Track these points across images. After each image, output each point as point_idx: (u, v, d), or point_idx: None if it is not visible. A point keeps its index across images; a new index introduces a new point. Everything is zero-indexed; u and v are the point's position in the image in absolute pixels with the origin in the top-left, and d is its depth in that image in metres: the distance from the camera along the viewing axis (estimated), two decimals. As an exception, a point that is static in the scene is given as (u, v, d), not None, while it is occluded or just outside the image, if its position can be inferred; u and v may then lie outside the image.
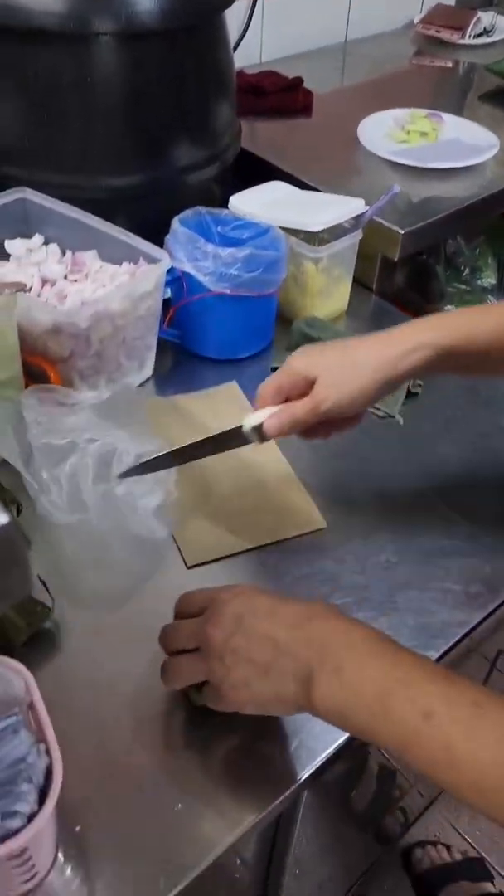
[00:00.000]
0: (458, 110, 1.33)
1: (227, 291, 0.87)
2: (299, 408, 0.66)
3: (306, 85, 1.36)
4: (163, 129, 0.95)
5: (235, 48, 1.38)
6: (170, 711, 0.60)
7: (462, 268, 1.48)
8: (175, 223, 0.89)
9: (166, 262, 0.83)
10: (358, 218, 0.96)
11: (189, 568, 0.71)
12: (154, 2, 0.83)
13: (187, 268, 0.86)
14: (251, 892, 0.84)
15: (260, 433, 0.68)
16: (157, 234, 0.88)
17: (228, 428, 0.69)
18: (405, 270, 1.29)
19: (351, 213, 0.95)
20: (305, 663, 0.49)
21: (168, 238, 0.88)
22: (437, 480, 0.82)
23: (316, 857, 1.02)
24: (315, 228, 0.92)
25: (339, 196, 0.99)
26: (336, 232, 0.95)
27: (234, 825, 0.54)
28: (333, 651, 0.49)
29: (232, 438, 0.69)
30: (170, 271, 0.87)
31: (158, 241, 0.87)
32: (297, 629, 0.51)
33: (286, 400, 0.67)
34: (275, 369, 0.92)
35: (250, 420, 0.68)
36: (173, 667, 0.57)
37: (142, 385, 0.91)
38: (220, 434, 0.70)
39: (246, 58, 1.44)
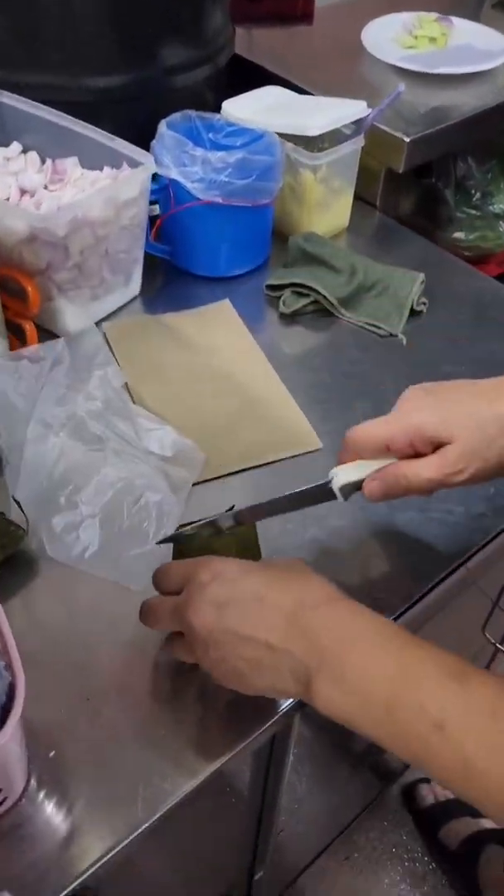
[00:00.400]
0: (470, 15, 1.24)
1: (219, 200, 0.81)
2: (420, 476, 0.51)
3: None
4: (151, 25, 0.87)
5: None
6: (154, 633, 0.57)
7: (473, 192, 1.40)
8: (162, 126, 0.82)
9: (151, 166, 0.77)
10: (360, 122, 0.89)
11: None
12: None
13: (174, 174, 0.80)
14: (245, 824, 0.83)
15: (348, 491, 0.54)
16: (143, 141, 0.82)
17: (312, 485, 0.55)
18: (412, 194, 1.22)
19: (352, 116, 0.88)
20: (302, 663, 0.44)
21: (154, 143, 0.82)
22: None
23: (314, 794, 1.01)
24: (313, 132, 0.85)
25: (339, 99, 0.91)
26: (336, 138, 0.89)
27: (220, 751, 0.51)
28: (332, 651, 0.44)
29: (315, 496, 0.55)
30: (156, 180, 0.81)
31: (145, 147, 0.81)
32: (289, 624, 0.45)
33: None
34: (270, 287, 0.87)
35: (342, 475, 0.53)
36: (167, 643, 0.53)
37: (129, 303, 0.86)
38: (301, 491, 0.56)
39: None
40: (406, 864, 1.32)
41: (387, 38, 1.13)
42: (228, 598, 0.46)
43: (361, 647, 0.43)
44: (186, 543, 0.57)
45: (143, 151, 0.78)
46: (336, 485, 0.53)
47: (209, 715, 0.53)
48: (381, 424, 0.52)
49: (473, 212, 1.40)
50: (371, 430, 0.52)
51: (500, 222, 1.42)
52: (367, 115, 0.88)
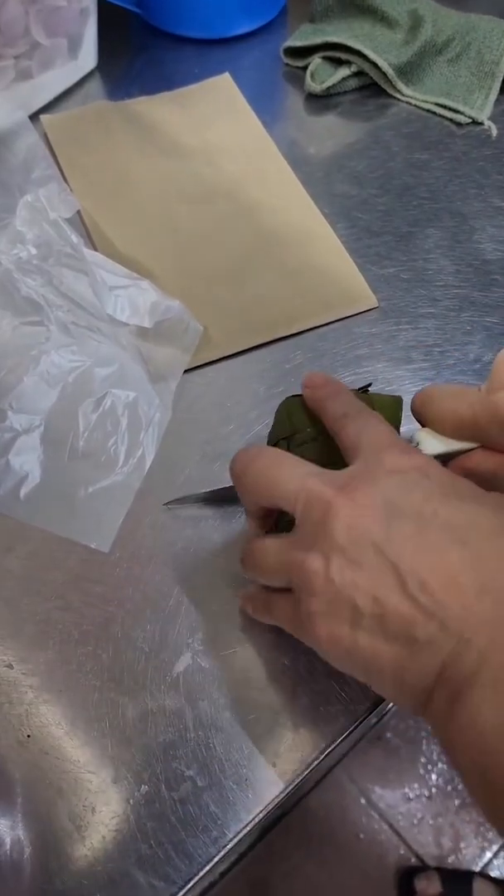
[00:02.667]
0: None
1: None
2: None
3: None
4: None
5: None
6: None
7: None
8: None
9: None
10: None
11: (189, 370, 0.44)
12: None
13: None
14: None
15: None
16: None
17: None
18: None
19: None
20: (472, 659, 0.26)
21: None
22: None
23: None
24: None
25: None
26: None
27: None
28: None
29: None
30: None
31: None
32: (480, 593, 0.26)
33: None
34: (291, 52, 0.59)
35: (427, 445, 0.33)
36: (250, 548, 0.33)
37: (81, 83, 0.58)
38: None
39: None
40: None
41: None
42: (410, 511, 0.28)
43: None
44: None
45: None
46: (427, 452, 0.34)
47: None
48: (464, 400, 0.33)
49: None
50: (449, 406, 0.33)
51: None
52: None
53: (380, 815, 1.14)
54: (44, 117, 0.55)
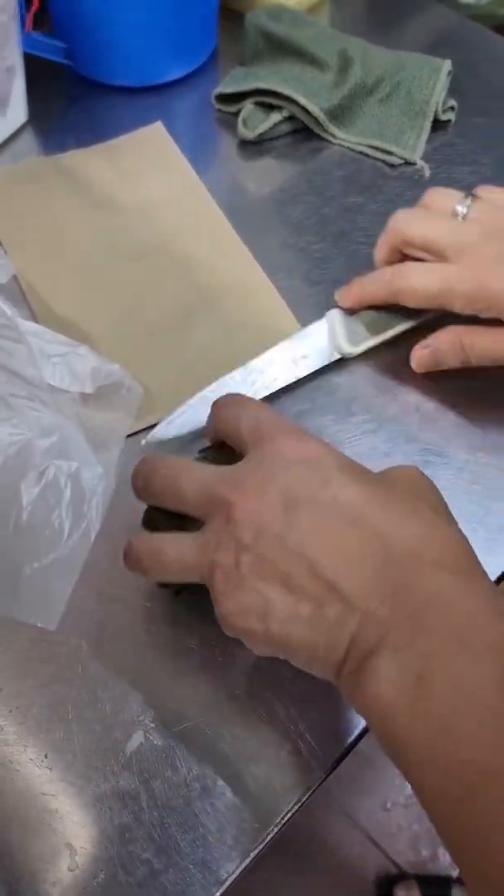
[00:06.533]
0: None
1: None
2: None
3: None
4: None
5: None
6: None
7: None
8: None
9: None
10: None
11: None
12: None
13: None
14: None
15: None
16: None
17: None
18: None
19: None
20: (375, 630, 0.28)
21: None
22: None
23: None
24: None
25: None
26: None
27: None
28: (424, 634, 0.28)
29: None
30: None
31: None
32: (382, 577, 0.29)
33: None
34: (223, 98, 0.59)
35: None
36: (152, 547, 0.34)
37: (12, 138, 0.57)
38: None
39: None
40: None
41: None
42: (307, 499, 0.30)
43: (469, 645, 0.27)
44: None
45: None
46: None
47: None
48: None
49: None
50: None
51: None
52: None
53: (357, 825, 1.15)
54: (-27, 179, 0.55)
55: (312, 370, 0.46)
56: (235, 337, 0.48)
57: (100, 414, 0.44)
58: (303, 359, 0.46)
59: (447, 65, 0.59)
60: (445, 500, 0.33)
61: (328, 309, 0.48)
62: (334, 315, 0.47)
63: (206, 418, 0.38)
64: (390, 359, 0.47)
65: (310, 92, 0.57)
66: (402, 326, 0.46)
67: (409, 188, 0.56)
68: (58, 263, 0.51)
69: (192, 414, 0.44)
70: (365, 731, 0.36)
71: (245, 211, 0.55)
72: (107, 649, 0.38)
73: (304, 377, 0.46)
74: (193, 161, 0.57)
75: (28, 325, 0.43)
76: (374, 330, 0.46)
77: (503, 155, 0.58)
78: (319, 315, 0.48)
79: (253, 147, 0.58)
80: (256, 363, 0.45)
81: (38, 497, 0.41)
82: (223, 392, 0.40)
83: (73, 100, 0.60)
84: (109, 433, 0.43)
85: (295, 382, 0.46)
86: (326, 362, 0.46)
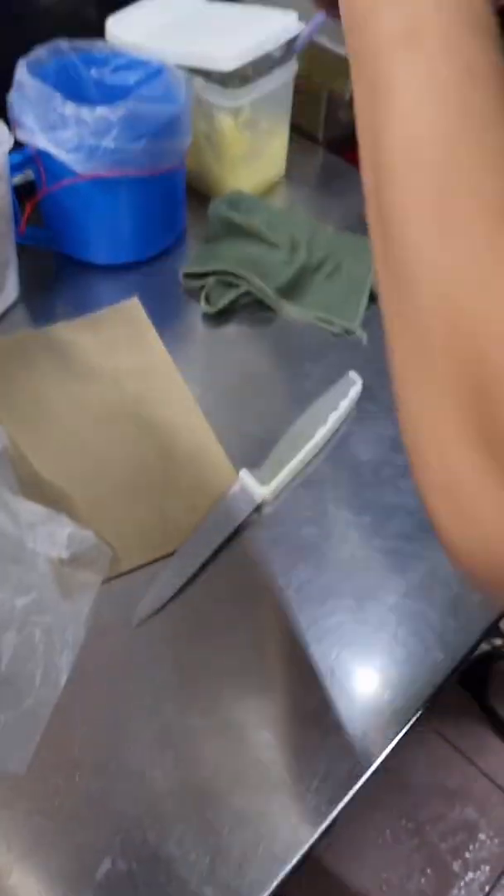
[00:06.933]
0: None
1: (104, 174, 0.60)
2: None
3: None
4: None
5: None
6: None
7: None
8: (21, 70, 0.60)
9: (5, 139, 0.56)
10: (290, 43, 0.67)
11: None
12: None
13: (41, 142, 0.59)
14: None
15: None
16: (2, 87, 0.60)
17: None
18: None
19: (279, 36, 0.65)
20: None
21: (12, 95, 0.60)
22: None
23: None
24: (228, 66, 0.63)
25: (261, 8, 0.69)
26: (261, 67, 0.67)
27: None
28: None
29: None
30: (19, 148, 0.60)
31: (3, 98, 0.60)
32: None
33: None
34: (190, 276, 0.68)
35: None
36: None
37: (7, 313, 0.66)
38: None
39: None
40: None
41: None
42: None
43: None
44: None
45: (-9, 118, 0.57)
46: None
47: None
48: None
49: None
50: None
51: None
52: (300, 34, 0.66)
53: None
54: (-29, 348, 0.63)
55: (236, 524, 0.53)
56: (186, 497, 0.55)
57: (72, 572, 0.51)
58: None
59: (383, 246, 0.68)
60: None
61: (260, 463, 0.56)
62: (244, 472, 0.55)
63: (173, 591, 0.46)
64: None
65: (263, 272, 0.66)
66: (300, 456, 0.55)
67: (350, 354, 0.65)
68: (41, 427, 0.59)
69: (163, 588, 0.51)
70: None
71: (205, 377, 0.63)
72: (78, 782, 0.44)
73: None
74: (163, 329, 0.65)
75: (14, 498, 0.51)
76: (277, 466, 0.55)
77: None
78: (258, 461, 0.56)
79: (215, 317, 0.67)
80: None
81: (16, 651, 0.48)
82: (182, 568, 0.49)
83: (60, 277, 0.70)
84: (81, 589, 0.50)
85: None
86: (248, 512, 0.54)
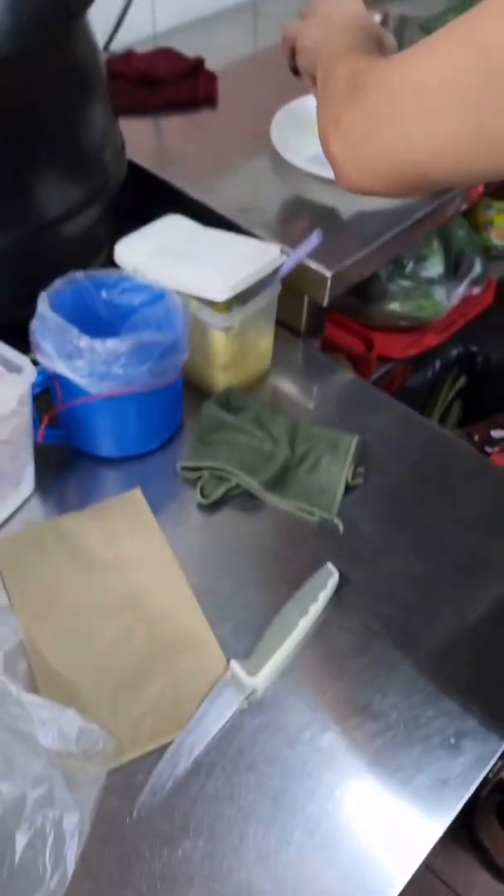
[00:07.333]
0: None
1: (115, 392, 0.69)
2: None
3: (212, 60, 1.14)
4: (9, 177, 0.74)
5: (120, 21, 1.16)
6: None
7: (405, 262, 1.30)
8: (42, 303, 0.70)
9: (30, 373, 0.65)
10: (276, 270, 0.78)
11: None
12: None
13: (59, 368, 0.68)
14: None
15: None
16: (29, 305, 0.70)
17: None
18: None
19: (264, 269, 0.77)
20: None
21: (35, 324, 0.70)
22: (387, 610, 0.68)
23: None
24: (220, 297, 0.74)
25: (248, 240, 0.80)
26: (250, 292, 0.77)
27: None
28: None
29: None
30: (40, 367, 0.70)
31: (26, 312, 0.70)
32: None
33: None
34: (187, 469, 0.77)
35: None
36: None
37: (24, 505, 0.74)
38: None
39: (135, 31, 1.20)
40: None
41: (297, 131, 1.01)
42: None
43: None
44: None
45: (20, 354, 0.66)
46: None
47: None
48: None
49: (407, 283, 1.30)
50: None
51: (435, 288, 1.33)
52: (282, 266, 0.77)
53: None
54: (-8, 541, 0.71)
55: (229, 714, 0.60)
56: (183, 687, 0.62)
57: (80, 765, 0.57)
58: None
59: (356, 440, 0.78)
60: None
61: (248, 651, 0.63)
62: (234, 663, 0.61)
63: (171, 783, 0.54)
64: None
65: (250, 469, 0.74)
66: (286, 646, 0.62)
67: (328, 541, 0.73)
68: (52, 617, 0.66)
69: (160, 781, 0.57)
70: None
71: (199, 563, 0.70)
72: None
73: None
74: (162, 514, 0.73)
75: (28, 697, 0.57)
76: (264, 657, 0.61)
77: (397, 509, 0.75)
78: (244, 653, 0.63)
79: (208, 506, 0.75)
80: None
81: (29, 843, 0.53)
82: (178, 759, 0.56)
83: (71, 468, 0.78)
84: (87, 780, 0.56)
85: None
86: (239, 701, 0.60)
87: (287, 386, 0.88)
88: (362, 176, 0.55)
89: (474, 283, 1.38)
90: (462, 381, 1.50)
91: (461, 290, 1.37)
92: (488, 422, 1.39)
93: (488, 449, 1.32)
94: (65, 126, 0.75)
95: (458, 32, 0.47)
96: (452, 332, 1.37)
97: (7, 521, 0.73)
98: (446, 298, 1.34)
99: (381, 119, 0.51)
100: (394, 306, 1.30)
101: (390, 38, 0.70)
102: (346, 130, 0.54)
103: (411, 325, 1.33)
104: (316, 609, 0.66)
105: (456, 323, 1.38)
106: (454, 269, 1.38)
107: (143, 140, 1.02)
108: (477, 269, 1.39)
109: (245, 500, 0.76)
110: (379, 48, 0.66)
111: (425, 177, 0.52)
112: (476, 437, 1.39)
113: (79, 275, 0.75)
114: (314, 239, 0.76)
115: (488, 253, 1.42)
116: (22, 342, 0.70)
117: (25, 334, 0.70)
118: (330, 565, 0.69)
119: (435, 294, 1.33)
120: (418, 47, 0.50)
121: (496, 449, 1.30)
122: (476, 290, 1.39)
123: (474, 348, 1.48)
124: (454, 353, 1.47)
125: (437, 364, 1.46)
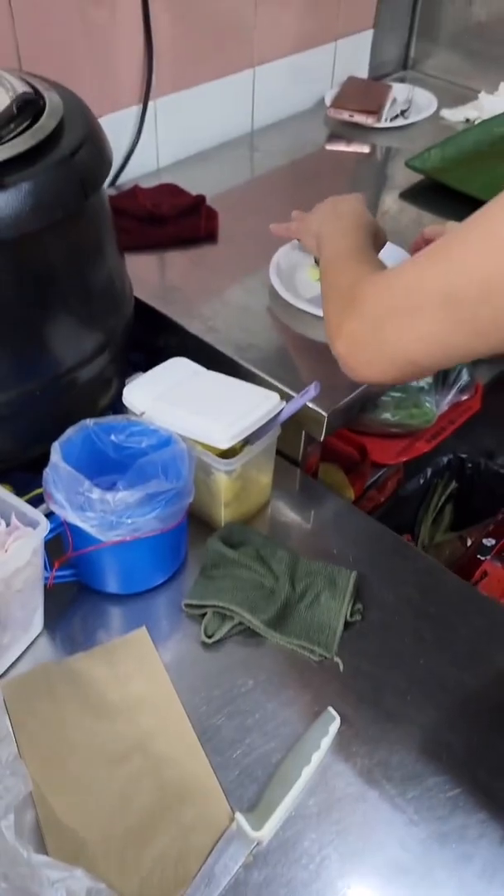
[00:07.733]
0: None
1: (125, 539, 0.72)
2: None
3: (212, 192, 1.22)
4: (25, 334, 0.79)
5: (128, 158, 1.24)
6: None
7: (396, 375, 1.35)
8: (55, 454, 0.74)
9: (44, 527, 0.68)
10: (275, 416, 0.82)
11: None
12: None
13: (71, 518, 0.71)
14: None
15: None
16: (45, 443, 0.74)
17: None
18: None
19: (264, 416, 0.81)
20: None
21: (47, 473, 0.74)
22: (387, 756, 0.69)
23: None
24: (223, 445, 0.78)
25: (250, 387, 0.85)
26: (251, 439, 0.82)
27: None
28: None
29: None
30: (52, 514, 0.73)
31: (36, 453, 0.73)
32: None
33: None
34: (189, 606, 0.79)
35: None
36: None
37: (32, 644, 0.76)
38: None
39: (140, 165, 1.29)
40: None
41: (295, 271, 1.07)
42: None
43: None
44: None
45: (33, 510, 0.70)
46: None
47: None
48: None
49: (399, 394, 1.36)
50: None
51: (425, 397, 1.38)
52: (280, 412, 0.82)
53: None
54: (0, 682, 0.73)
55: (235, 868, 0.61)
56: (189, 838, 0.63)
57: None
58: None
59: (354, 576, 0.81)
60: None
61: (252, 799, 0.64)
62: (239, 816, 0.62)
63: None
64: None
65: (252, 607, 0.77)
66: (290, 797, 0.63)
67: (328, 679, 0.75)
68: (61, 765, 0.67)
69: None
70: None
71: (201, 701, 0.72)
72: None
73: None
74: (166, 649, 0.76)
75: (38, 858, 0.58)
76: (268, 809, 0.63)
77: (395, 644, 0.77)
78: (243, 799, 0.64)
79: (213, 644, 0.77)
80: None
81: None
82: None
83: (79, 605, 0.80)
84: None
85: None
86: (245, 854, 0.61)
87: (285, 514, 0.91)
88: (365, 369, 0.68)
89: (462, 390, 1.44)
90: (453, 486, 1.54)
91: (450, 397, 1.42)
92: (480, 529, 1.42)
93: (480, 557, 1.35)
94: (80, 282, 0.81)
95: (432, 255, 0.61)
96: (442, 440, 1.41)
97: (15, 661, 0.75)
98: (435, 406, 1.40)
99: (376, 327, 0.64)
100: (386, 415, 1.35)
101: (383, 233, 0.86)
102: (348, 337, 0.68)
103: (404, 432, 1.38)
104: (318, 756, 0.67)
105: (445, 430, 1.43)
106: (442, 380, 1.44)
107: (147, 276, 1.09)
108: (464, 377, 1.45)
109: (247, 636, 0.78)
110: (375, 241, 0.80)
111: (416, 364, 0.59)
112: (469, 543, 1.43)
113: (89, 422, 0.79)
114: (311, 391, 0.81)
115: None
116: (37, 474, 0.74)
117: (39, 468, 0.74)
118: (331, 710, 0.71)
119: (425, 402, 1.39)
120: (405, 266, 0.64)
121: (488, 558, 1.33)
122: (464, 397, 1.45)
123: (463, 455, 1.53)
124: (444, 460, 1.52)
125: (429, 471, 1.50)
